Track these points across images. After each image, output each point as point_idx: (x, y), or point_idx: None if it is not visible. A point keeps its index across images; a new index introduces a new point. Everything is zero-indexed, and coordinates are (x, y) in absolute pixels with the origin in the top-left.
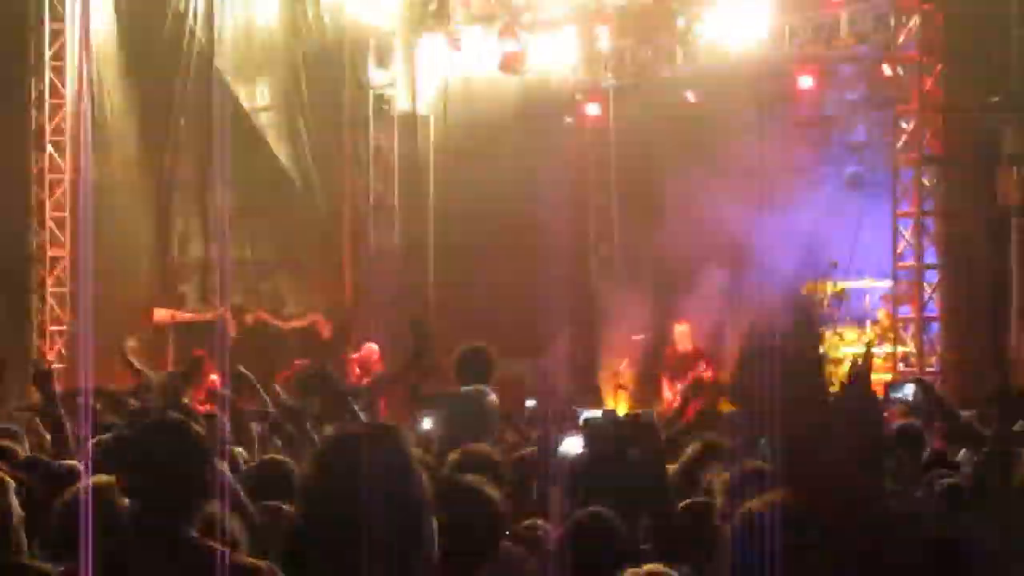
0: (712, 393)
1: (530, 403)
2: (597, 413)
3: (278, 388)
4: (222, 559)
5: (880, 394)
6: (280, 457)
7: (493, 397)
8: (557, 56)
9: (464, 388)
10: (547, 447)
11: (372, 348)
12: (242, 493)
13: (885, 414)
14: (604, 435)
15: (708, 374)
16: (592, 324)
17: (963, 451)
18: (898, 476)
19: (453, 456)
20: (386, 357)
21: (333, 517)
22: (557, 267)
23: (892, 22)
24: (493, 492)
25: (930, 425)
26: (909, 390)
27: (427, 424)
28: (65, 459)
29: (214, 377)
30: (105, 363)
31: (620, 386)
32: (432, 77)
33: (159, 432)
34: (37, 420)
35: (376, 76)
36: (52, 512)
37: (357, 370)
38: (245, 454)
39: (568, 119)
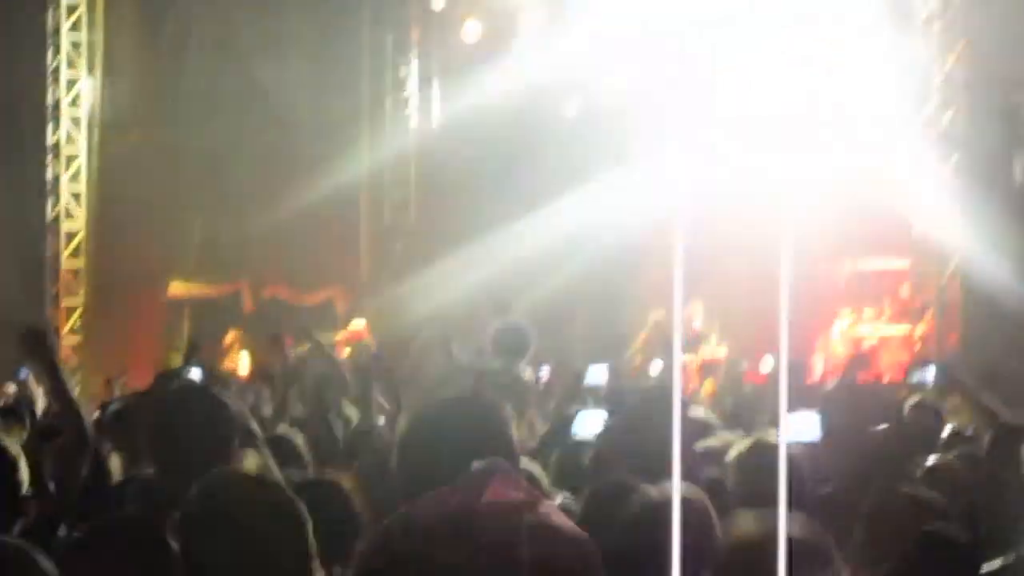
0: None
1: (544, 370)
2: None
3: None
4: None
5: (901, 377)
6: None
7: (528, 374)
8: None
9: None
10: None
11: (359, 323)
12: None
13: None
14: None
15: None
16: (610, 300)
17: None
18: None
19: None
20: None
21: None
22: (575, 244)
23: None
24: None
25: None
26: (929, 372)
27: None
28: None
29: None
30: (119, 337)
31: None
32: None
33: (182, 395)
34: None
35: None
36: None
37: (348, 348)
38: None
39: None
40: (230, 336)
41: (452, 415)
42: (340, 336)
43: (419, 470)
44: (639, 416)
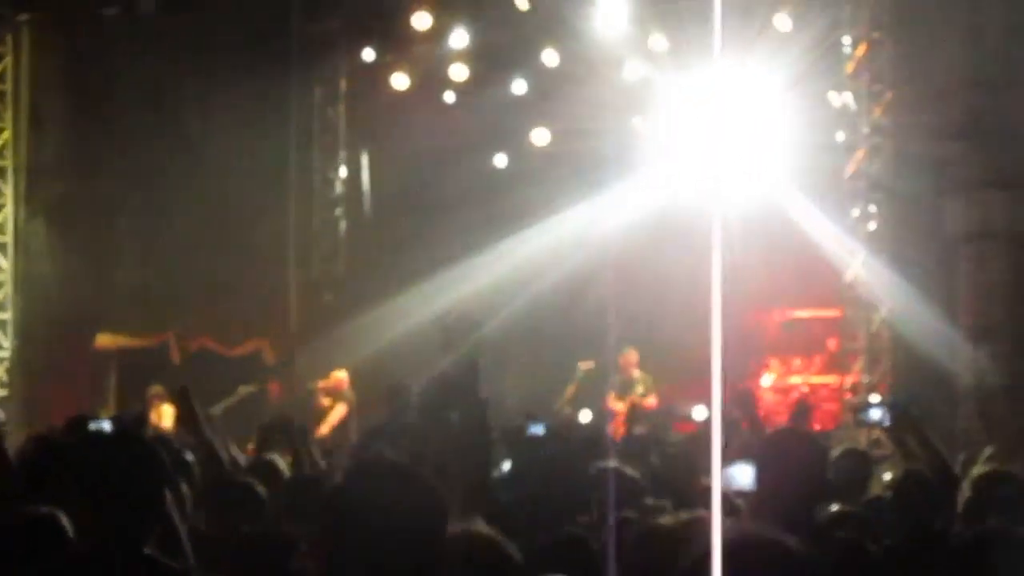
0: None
1: None
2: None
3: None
4: None
5: (831, 426)
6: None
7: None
8: None
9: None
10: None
11: (341, 376)
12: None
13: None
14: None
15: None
16: (541, 350)
17: None
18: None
19: None
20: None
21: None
22: (505, 293)
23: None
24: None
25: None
26: (878, 413)
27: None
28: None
29: None
30: (44, 389)
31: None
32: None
33: (114, 448)
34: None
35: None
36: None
37: (324, 399)
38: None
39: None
40: (153, 390)
41: (378, 484)
42: (321, 385)
43: (349, 534)
44: (524, 466)
